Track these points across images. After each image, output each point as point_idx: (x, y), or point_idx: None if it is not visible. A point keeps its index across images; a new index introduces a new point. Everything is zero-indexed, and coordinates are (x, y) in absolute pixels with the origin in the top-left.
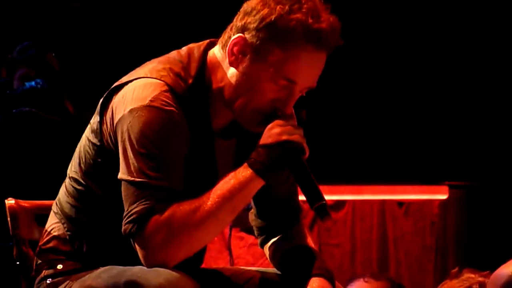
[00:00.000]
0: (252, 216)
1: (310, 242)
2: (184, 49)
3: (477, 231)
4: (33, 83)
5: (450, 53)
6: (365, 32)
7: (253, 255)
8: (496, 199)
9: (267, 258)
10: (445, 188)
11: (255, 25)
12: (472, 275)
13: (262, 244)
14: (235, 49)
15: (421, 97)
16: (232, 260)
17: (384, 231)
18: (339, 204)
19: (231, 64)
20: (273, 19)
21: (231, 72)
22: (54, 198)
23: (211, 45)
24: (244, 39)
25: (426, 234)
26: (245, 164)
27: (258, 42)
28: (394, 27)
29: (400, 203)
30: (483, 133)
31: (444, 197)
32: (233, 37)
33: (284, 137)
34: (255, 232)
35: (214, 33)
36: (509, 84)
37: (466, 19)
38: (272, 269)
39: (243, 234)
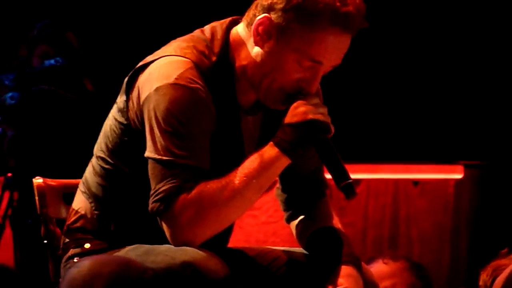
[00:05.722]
0: (278, 191)
1: (337, 223)
2: (207, 27)
3: (492, 211)
4: (52, 61)
5: (466, 34)
6: (378, 15)
7: (265, 234)
8: None
9: (278, 236)
10: (460, 167)
11: (281, 5)
12: None
13: (289, 220)
14: (260, 29)
15: (438, 74)
16: None
17: (396, 210)
18: (355, 182)
19: (256, 43)
20: (300, 1)
21: (256, 51)
22: (74, 176)
23: (234, 23)
24: (270, 19)
25: (440, 214)
26: (271, 143)
27: (284, 23)
28: (408, 13)
29: (415, 182)
30: (500, 112)
31: (459, 176)
32: (258, 17)
33: (310, 116)
34: (282, 207)
35: (236, 11)
36: None
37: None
38: (298, 249)
39: (255, 212)
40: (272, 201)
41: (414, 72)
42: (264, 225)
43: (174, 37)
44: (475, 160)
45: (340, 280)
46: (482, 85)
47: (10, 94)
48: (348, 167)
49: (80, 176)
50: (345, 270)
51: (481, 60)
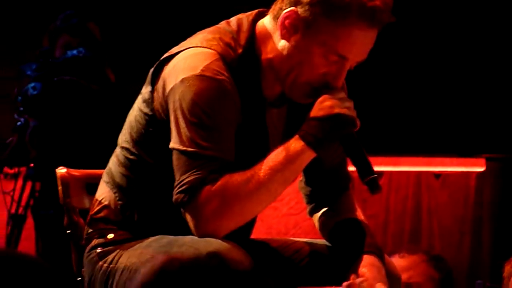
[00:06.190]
0: (301, 183)
1: (360, 214)
2: (233, 19)
3: None
4: (75, 51)
5: (485, 28)
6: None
7: (285, 225)
8: None
9: (299, 228)
10: (482, 160)
11: None
12: None
13: (312, 213)
14: (286, 22)
15: (460, 68)
16: None
17: (418, 203)
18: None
19: (283, 36)
20: None
21: (282, 44)
22: (95, 167)
23: (260, 15)
24: (296, 12)
25: (461, 206)
26: (297, 136)
27: (310, 17)
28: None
29: (437, 174)
30: None
31: (481, 169)
32: (285, 10)
33: (336, 110)
34: (305, 200)
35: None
36: None
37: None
38: (321, 241)
39: (276, 204)
40: (293, 193)
41: (437, 65)
42: (286, 217)
43: (200, 29)
44: (497, 153)
45: (362, 270)
46: (505, 78)
47: (32, 84)
48: (370, 159)
49: (102, 167)
50: (367, 259)
51: (504, 53)
